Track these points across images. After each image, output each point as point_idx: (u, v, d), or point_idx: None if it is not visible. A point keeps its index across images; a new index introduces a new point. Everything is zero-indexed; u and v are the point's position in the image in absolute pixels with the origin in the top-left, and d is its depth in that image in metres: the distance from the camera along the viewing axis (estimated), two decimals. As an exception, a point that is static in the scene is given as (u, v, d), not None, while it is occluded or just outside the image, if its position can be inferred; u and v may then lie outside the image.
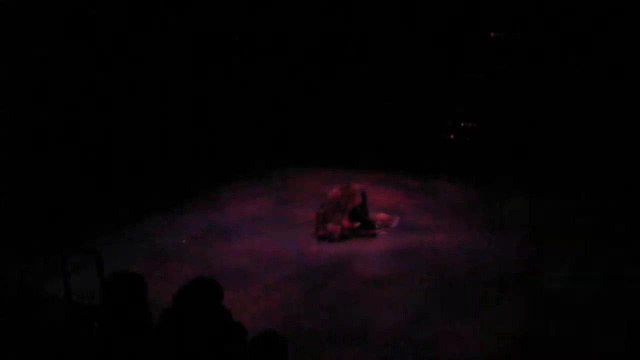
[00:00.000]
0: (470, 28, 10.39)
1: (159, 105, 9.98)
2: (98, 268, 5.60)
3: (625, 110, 9.48)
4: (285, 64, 11.39)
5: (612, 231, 8.19)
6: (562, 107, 9.94)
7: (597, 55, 9.56)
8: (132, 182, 9.24)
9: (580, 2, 9.57)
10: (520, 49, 10.20)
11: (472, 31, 10.42)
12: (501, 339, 5.88)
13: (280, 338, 3.63)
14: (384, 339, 5.94)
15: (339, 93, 11.37)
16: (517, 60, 10.27)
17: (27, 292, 6.05)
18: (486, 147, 10.54)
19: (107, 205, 8.75)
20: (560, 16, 9.69)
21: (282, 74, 11.37)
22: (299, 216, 8.91)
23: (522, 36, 10.20)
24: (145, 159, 9.62)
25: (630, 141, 9.44)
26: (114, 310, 3.78)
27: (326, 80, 11.43)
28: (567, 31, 9.71)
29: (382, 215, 8.79)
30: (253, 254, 7.78)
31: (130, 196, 9.09)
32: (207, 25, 10.43)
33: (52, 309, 5.65)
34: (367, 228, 8.44)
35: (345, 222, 8.31)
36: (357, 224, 8.37)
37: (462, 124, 10.91)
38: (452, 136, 10.94)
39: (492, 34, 10.42)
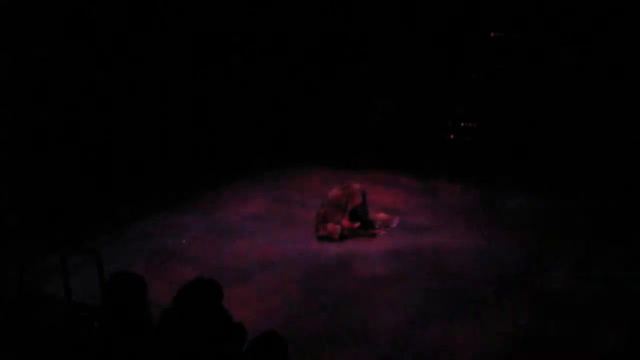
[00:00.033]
0: (470, 28, 10.40)
1: (159, 105, 9.98)
2: (98, 268, 5.60)
3: (625, 110, 9.48)
4: (285, 64, 11.39)
5: (612, 231, 8.19)
6: (562, 107, 9.94)
7: (597, 55, 9.56)
8: (132, 182, 9.24)
9: (580, 2, 9.57)
10: (520, 49, 10.21)
11: (472, 31, 10.42)
12: (501, 339, 5.88)
13: (280, 338, 3.62)
14: (384, 339, 5.94)
15: (339, 93, 11.38)
16: (517, 60, 10.27)
17: (27, 292, 6.05)
18: (486, 147, 10.54)
19: (107, 205, 8.76)
20: (560, 16, 9.69)
21: (282, 74, 11.38)
22: (299, 216, 8.90)
23: (522, 36, 10.20)
24: (145, 159, 9.62)
25: (630, 141, 9.44)
26: (114, 310, 3.78)
27: (326, 80, 11.44)
28: (567, 31, 9.71)
29: (382, 215, 8.79)
30: (253, 254, 7.77)
31: (130, 196, 9.10)
32: (207, 25, 10.43)
33: (52, 309, 5.66)
34: (367, 228, 8.44)
35: (345, 222, 8.31)
36: (357, 224, 8.37)
37: (462, 124, 10.91)
38: (452, 136, 10.94)
39: (492, 34, 10.43)
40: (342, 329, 6.13)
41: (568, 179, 9.54)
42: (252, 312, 6.03)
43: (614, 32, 9.36)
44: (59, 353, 3.96)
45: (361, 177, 9.84)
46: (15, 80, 8.02)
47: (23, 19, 7.98)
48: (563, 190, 9.42)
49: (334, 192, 8.51)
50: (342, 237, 8.22)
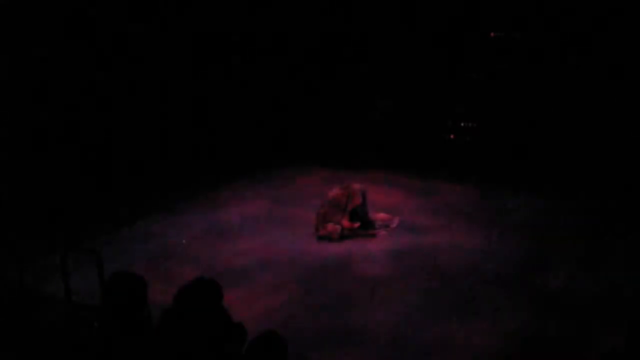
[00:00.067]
0: (470, 28, 10.39)
1: (159, 105, 9.98)
2: (98, 268, 5.60)
3: (625, 110, 9.48)
4: (285, 64, 11.39)
5: (612, 231, 8.19)
6: (562, 107, 9.94)
7: (597, 55, 9.56)
8: (132, 182, 9.24)
9: (580, 2, 9.57)
10: (520, 49, 10.21)
11: (472, 31, 10.42)
12: (501, 338, 5.88)
13: (280, 338, 3.62)
14: (383, 339, 5.94)
15: (339, 93, 11.37)
16: (517, 60, 10.27)
17: (27, 292, 6.05)
18: (486, 147, 10.54)
19: (107, 205, 8.76)
20: (560, 16, 9.69)
21: (282, 74, 11.37)
22: (299, 216, 8.90)
23: (522, 36, 10.20)
24: (145, 159, 9.62)
25: (630, 141, 9.43)
26: (114, 310, 3.78)
27: (326, 80, 11.43)
28: (567, 31, 9.71)
29: (382, 215, 8.79)
30: (253, 254, 7.77)
31: (130, 196, 9.10)
32: (207, 25, 10.43)
33: (52, 309, 5.66)
34: (367, 228, 8.44)
35: (345, 222, 8.31)
36: (357, 224, 8.37)
37: (462, 124, 10.91)
38: (452, 136, 10.94)
39: (492, 34, 10.42)
40: (342, 329, 6.13)
41: (568, 179, 9.54)
42: (252, 312, 6.03)
43: (614, 32, 9.35)
44: (59, 353, 3.96)
45: (361, 177, 9.83)
46: (15, 80, 8.02)
47: (23, 19, 7.99)
48: (563, 190, 9.42)
49: (334, 192, 8.50)
50: (342, 237, 8.21)
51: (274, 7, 11.01)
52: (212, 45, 10.59)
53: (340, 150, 11.14)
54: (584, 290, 6.70)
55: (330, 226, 8.24)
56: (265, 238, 8.27)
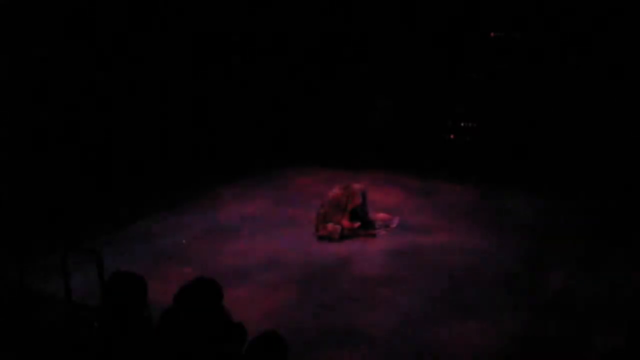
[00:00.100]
0: (470, 28, 10.40)
1: (159, 105, 9.98)
2: (98, 268, 5.60)
3: (625, 110, 9.48)
4: (285, 64, 11.39)
5: (612, 231, 8.19)
6: (562, 107, 9.94)
7: (597, 55, 9.56)
8: (132, 182, 9.24)
9: (580, 2, 9.57)
10: (520, 49, 10.21)
11: (472, 31, 10.42)
12: (501, 338, 5.88)
13: (280, 338, 3.62)
14: (383, 339, 5.94)
15: (339, 93, 11.37)
16: (517, 60, 10.27)
17: (27, 292, 6.05)
18: (486, 147, 10.54)
19: (107, 205, 8.75)
20: (560, 16, 9.69)
21: (282, 74, 11.38)
22: (299, 216, 8.90)
23: (522, 36, 10.20)
24: (145, 159, 9.62)
25: (630, 141, 9.44)
26: (114, 310, 3.78)
27: (326, 80, 11.43)
28: (567, 31, 9.71)
29: (382, 215, 8.79)
30: (253, 254, 7.78)
31: (130, 196, 9.10)
32: (207, 25, 10.43)
33: (52, 309, 5.66)
34: (367, 228, 8.44)
35: (345, 222, 8.31)
36: (357, 224, 8.37)
37: (462, 124, 10.91)
38: (452, 136, 10.94)
39: (492, 34, 10.42)
40: (342, 329, 6.13)
41: (568, 179, 9.54)
42: (252, 312, 6.03)
43: (614, 32, 9.35)
44: (59, 353, 3.96)
45: (361, 177, 9.84)
46: (15, 80, 8.02)
47: (23, 19, 7.98)
48: (563, 190, 9.42)
49: (334, 192, 8.51)
50: (342, 237, 8.21)
51: (274, 7, 11.01)
52: (212, 45, 10.59)
53: (340, 150, 11.14)
54: (584, 290, 6.70)
55: (330, 226, 8.24)
56: (265, 238, 8.27)
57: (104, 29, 8.95)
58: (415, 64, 10.81)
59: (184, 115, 10.45)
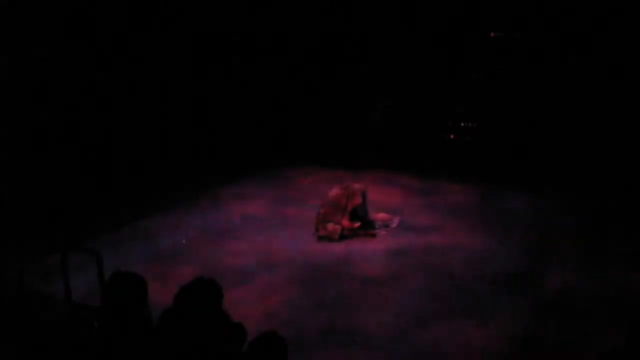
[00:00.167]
0: (470, 28, 10.40)
1: (159, 105, 9.98)
2: (98, 268, 5.60)
3: (625, 110, 9.48)
4: (285, 64, 11.39)
5: (612, 231, 8.19)
6: (562, 107, 9.94)
7: (597, 55, 9.56)
8: (132, 182, 9.24)
9: (580, 2, 9.57)
10: (520, 49, 10.22)
11: (472, 31, 10.43)
12: (501, 338, 5.88)
13: (280, 338, 3.62)
14: (383, 339, 5.94)
15: (339, 93, 11.38)
16: (517, 60, 10.28)
17: (27, 292, 6.05)
18: (486, 147, 10.55)
19: (107, 205, 8.75)
20: (560, 16, 9.70)
21: (282, 74, 11.38)
22: (299, 216, 8.90)
23: (522, 36, 10.21)
24: (145, 159, 9.62)
25: (630, 141, 9.44)
26: (114, 310, 3.78)
27: (326, 80, 11.44)
28: (567, 31, 9.71)
29: (382, 215, 8.79)
30: (253, 254, 7.77)
31: (130, 196, 9.10)
32: (207, 25, 10.43)
33: (52, 309, 5.65)
34: (367, 228, 8.44)
35: (345, 222, 8.31)
36: (357, 224, 8.37)
37: (462, 124, 10.92)
38: (452, 136, 10.95)
39: (492, 34, 10.43)
40: (342, 329, 6.13)
41: (568, 179, 9.54)
42: (252, 312, 6.03)
43: (614, 32, 9.36)
44: (59, 353, 3.96)
45: (361, 177, 9.84)
46: (15, 80, 8.01)
47: (23, 19, 7.98)
48: (563, 190, 9.42)
49: (334, 192, 8.51)
50: (342, 237, 8.21)
51: (274, 7, 11.02)
52: (212, 45, 10.59)
53: (340, 150, 11.15)
54: (584, 290, 6.70)
55: (330, 226, 8.24)
56: (265, 238, 8.27)
57: (104, 29, 8.94)
58: (415, 64, 10.82)
59: (184, 115, 10.45)
